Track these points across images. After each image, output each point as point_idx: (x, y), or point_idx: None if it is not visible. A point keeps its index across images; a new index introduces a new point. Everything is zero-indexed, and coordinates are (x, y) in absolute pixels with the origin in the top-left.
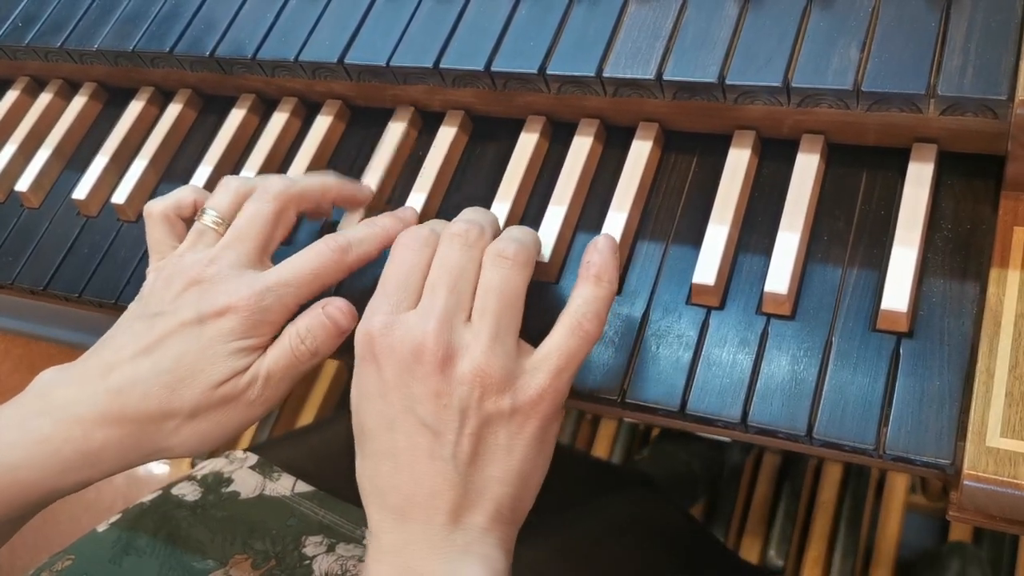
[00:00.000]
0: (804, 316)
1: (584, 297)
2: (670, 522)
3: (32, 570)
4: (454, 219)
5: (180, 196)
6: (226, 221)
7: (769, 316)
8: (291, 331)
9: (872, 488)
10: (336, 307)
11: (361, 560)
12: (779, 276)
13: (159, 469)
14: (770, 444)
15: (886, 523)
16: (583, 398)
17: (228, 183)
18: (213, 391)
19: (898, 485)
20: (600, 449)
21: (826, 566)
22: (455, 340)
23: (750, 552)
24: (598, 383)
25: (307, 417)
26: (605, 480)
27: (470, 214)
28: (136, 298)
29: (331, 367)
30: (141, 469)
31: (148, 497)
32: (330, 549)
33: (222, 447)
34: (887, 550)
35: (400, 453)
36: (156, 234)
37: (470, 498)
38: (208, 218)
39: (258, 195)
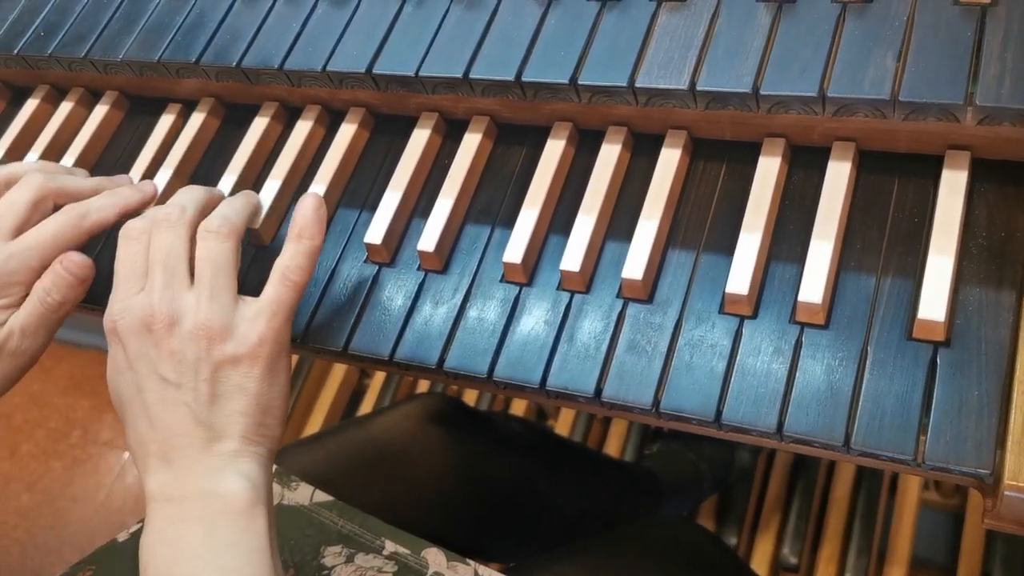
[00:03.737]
0: (838, 325)
1: (290, 252)
2: (708, 550)
3: None
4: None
5: None
6: None
7: (803, 325)
8: (38, 288)
9: (886, 485)
10: (71, 260)
11: (380, 571)
12: (813, 285)
13: None
14: (804, 452)
15: (900, 520)
16: (617, 408)
17: None
18: None
19: (912, 482)
20: (611, 448)
21: (840, 563)
22: (177, 306)
23: (763, 550)
24: (632, 393)
25: (316, 419)
26: (617, 480)
27: (177, 196)
28: None
29: (340, 371)
30: None
31: None
32: (349, 560)
33: None
34: (901, 547)
35: (152, 409)
36: None
37: (216, 430)
38: None
39: (22, 183)
